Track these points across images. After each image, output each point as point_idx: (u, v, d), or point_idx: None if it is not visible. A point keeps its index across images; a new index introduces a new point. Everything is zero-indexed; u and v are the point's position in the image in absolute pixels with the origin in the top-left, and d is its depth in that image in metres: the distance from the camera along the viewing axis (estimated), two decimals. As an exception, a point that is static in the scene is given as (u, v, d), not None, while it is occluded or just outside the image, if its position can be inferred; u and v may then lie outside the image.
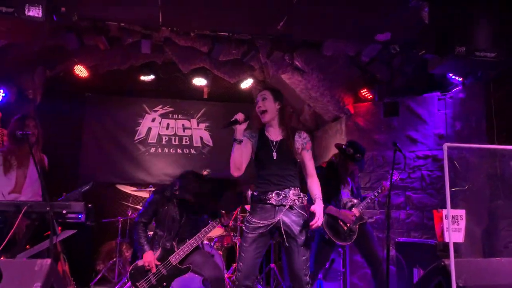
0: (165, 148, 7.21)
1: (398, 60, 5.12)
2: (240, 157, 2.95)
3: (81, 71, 5.82)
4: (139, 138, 7.13)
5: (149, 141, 7.14)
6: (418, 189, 5.34)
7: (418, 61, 4.90)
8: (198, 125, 7.36)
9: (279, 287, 5.35)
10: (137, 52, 5.09)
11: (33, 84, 5.49)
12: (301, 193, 2.99)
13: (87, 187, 3.37)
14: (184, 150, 7.27)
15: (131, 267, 3.77)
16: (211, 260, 3.90)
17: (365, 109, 5.81)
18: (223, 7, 4.29)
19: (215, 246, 5.15)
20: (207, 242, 4.99)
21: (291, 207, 2.92)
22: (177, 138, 7.28)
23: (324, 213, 4.08)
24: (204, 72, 6.22)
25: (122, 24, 4.71)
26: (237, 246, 5.35)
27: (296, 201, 2.94)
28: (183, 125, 7.32)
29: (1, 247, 2.77)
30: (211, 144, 7.34)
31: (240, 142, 2.95)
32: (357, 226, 4.10)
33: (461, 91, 5.02)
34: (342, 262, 4.75)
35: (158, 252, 3.77)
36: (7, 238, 2.80)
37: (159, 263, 3.73)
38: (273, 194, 2.92)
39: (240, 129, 2.92)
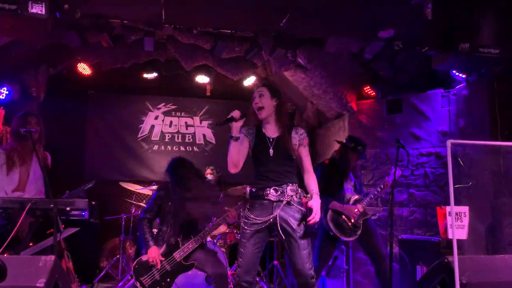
0: (168, 146, 7.23)
1: (401, 57, 5.09)
2: (237, 154, 2.97)
3: (84, 69, 5.84)
4: (142, 136, 7.14)
5: (152, 139, 7.16)
6: (422, 186, 5.32)
7: (421, 58, 4.87)
8: (201, 123, 7.38)
9: (282, 284, 5.34)
10: (140, 50, 5.09)
11: (37, 82, 5.50)
12: (299, 189, 3.01)
13: (90, 185, 3.37)
14: (187, 147, 7.29)
15: (135, 262, 3.77)
16: (215, 257, 3.90)
17: (368, 106, 5.80)
18: (226, 4, 4.29)
19: (218, 243, 5.15)
20: (210, 239, 4.99)
21: (288, 203, 2.94)
22: (180, 135, 7.29)
23: (329, 208, 4.09)
24: (207, 69, 6.22)
25: (125, 21, 4.71)
26: (240, 243, 5.34)
27: (294, 196, 2.96)
28: (186, 122, 7.33)
29: (5, 244, 2.78)
30: (213, 141, 7.35)
31: (237, 139, 2.97)
32: (361, 222, 4.11)
33: (464, 88, 5.00)
34: (345, 259, 4.74)
35: (162, 248, 3.78)
36: (11, 235, 2.81)
37: (163, 259, 3.74)
38: (271, 190, 2.94)
39: (236, 126, 2.95)
